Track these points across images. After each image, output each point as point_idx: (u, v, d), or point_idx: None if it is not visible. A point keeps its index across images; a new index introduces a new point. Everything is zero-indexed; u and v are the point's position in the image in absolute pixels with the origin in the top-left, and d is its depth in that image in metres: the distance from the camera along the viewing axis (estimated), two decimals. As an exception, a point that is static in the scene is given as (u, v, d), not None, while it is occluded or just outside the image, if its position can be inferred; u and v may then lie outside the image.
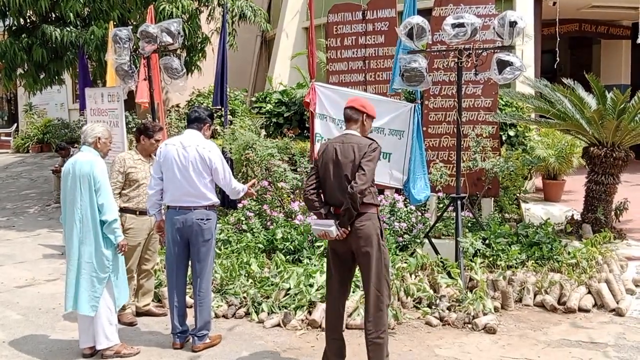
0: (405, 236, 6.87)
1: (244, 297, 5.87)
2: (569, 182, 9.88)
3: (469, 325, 5.38)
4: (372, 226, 4.11)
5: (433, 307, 5.77)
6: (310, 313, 5.56)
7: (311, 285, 5.83)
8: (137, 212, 5.36)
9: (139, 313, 5.69)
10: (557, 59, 10.40)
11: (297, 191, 7.68)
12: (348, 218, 4.03)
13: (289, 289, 5.84)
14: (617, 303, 5.68)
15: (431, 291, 5.91)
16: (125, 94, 7.91)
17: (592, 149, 7.21)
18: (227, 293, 5.96)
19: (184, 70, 7.20)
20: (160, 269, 6.29)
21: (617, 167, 7.13)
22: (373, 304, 4.17)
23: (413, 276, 6.24)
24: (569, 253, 6.44)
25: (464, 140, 7.55)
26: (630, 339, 5.02)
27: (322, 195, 4.25)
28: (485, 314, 5.53)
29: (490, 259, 6.45)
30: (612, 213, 7.52)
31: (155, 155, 5.14)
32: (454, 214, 6.49)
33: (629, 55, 14.48)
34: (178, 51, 7.67)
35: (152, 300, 5.88)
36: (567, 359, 4.70)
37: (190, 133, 4.90)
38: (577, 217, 7.60)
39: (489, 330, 5.25)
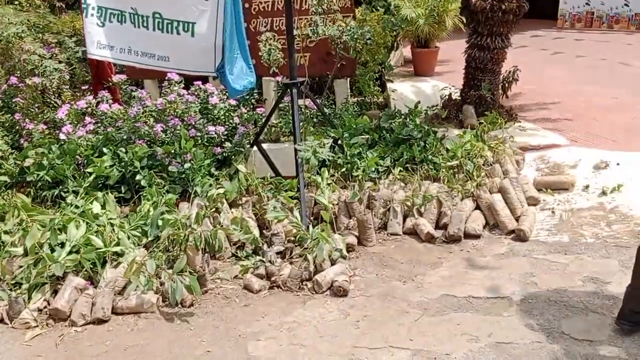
0: (227, 145, 4.75)
1: (-50, 277, 3.59)
2: (444, 50, 8.08)
3: (309, 285, 3.50)
4: None
5: (261, 254, 3.84)
6: (55, 294, 3.40)
7: (62, 245, 3.62)
8: None
9: None
10: None
11: (66, 89, 5.22)
12: None
13: (26, 254, 3.62)
14: (518, 221, 4.01)
15: (255, 232, 3.92)
16: None
17: (474, 0, 5.26)
18: None
19: None
20: None
21: (507, 24, 5.28)
22: None
23: (234, 209, 4.23)
24: (447, 150, 4.65)
25: (304, -1, 5.37)
26: (543, 282, 3.36)
27: None
28: (333, 262, 3.66)
29: (344, 169, 4.53)
30: (499, 87, 5.79)
31: None
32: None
33: None
34: None
35: None
36: (456, 339, 2.94)
37: None
38: (456, 95, 5.81)
39: (338, 291, 3.40)
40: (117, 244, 3.65)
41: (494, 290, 3.33)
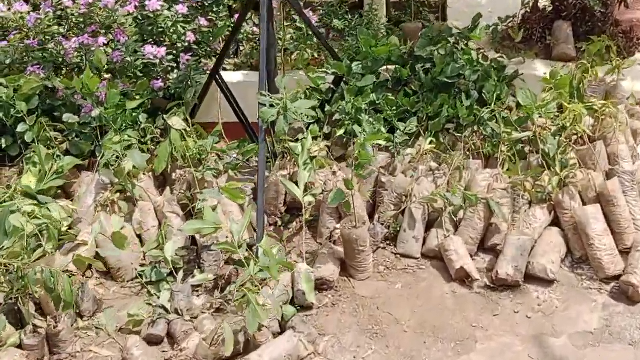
0: (172, 75, 3.10)
1: None
2: None
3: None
4: None
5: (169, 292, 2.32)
6: None
7: None
8: None
9: None
10: None
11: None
12: None
13: None
14: (625, 259, 2.26)
15: (169, 248, 2.36)
16: None
17: None
18: None
19: None
20: None
21: None
22: None
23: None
24: (518, 106, 2.82)
25: None
26: None
27: None
28: (284, 323, 2.11)
29: (344, 131, 2.82)
30: (616, -9, 3.72)
31: None
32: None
33: None
34: None
35: None
36: None
37: None
38: (546, 2, 3.79)
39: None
40: None
41: None
